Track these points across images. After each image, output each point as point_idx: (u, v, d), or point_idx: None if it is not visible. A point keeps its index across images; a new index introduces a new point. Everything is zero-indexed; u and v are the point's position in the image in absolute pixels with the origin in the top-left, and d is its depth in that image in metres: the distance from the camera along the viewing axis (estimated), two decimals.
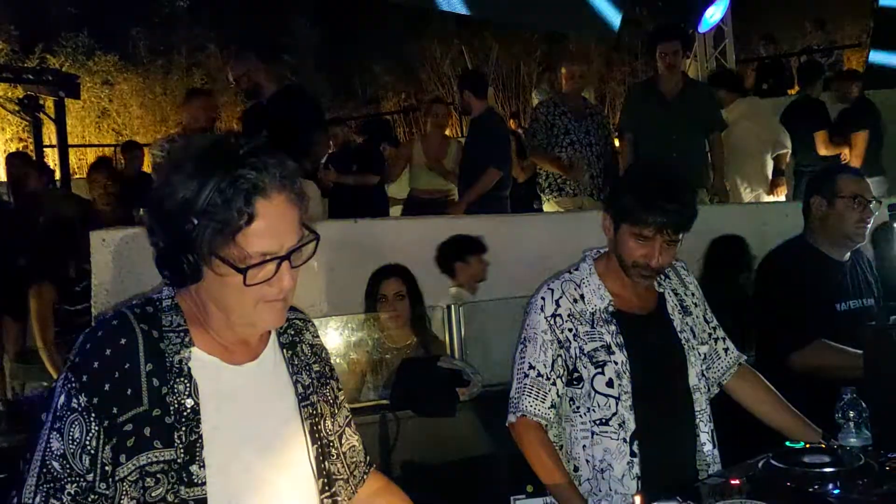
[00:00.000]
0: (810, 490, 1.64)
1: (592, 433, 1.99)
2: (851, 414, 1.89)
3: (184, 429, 1.22)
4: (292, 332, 1.44)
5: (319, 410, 1.41)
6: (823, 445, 1.87)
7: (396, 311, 3.05)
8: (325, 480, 1.39)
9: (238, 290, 1.21)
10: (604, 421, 1.98)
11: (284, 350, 1.40)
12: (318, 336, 1.50)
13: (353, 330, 2.99)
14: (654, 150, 4.26)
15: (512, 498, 2.45)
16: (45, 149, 8.82)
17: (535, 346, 2.03)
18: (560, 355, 2.01)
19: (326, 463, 1.40)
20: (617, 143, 5.04)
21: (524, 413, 2.02)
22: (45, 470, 1.18)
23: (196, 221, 1.17)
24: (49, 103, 7.96)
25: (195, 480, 1.21)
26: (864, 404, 1.88)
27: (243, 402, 1.30)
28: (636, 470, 1.96)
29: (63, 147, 7.85)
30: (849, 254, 2.72)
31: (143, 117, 13.95)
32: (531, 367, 2.03)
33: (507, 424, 2.08)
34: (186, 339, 1.26)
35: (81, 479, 1.18)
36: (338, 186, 5.49)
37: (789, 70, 7.69)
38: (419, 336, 3.03)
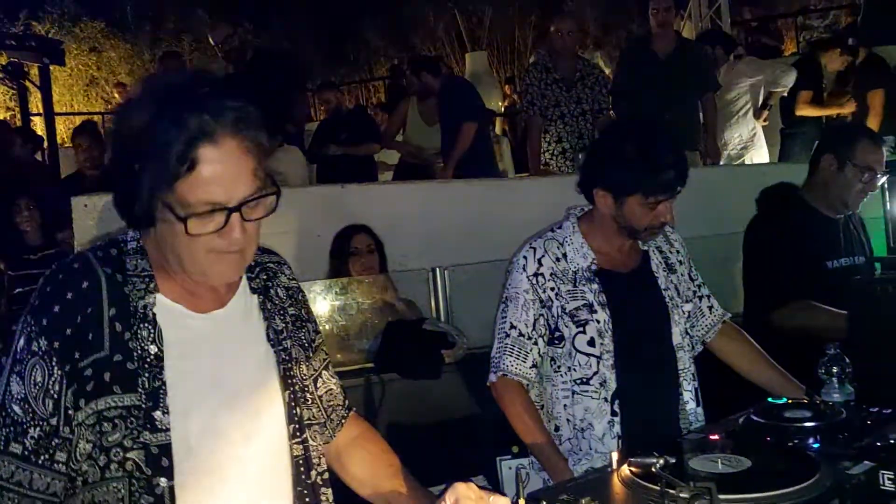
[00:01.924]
0: (790, 444, 1.63)
1: (573, 392, 1.98)
2: (835, 369, 1.87)
3: (147, 375, 1.19)
4: (265, 277, 1.39)
5: (294, 355, 1.38)
6: (806, 401, 1.86)
7: (369, 264, 3.04)
8: (297, 426, 1.35)
9: (185, 239, 1.17)
10: (585, 380, 1.97)
11: (256, 295, 1.36)
12: (294, 279, 1.45)
13: (337, 294, 2.96)
14: (646, 111, 4.20)
15: (497, 459, 2.45)
16: (32, 117, 8.72)
17: (516, 305, 2.01)
18: (542, 314, 1.99)
19: (299, 409, 1.36)
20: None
21: (505, 372, 2.00)
22: (5, 414, 1.17)
23: (140, 163, 1.13)
24: (34, 71, 7.84)
25: (158, 426, 1.19)
26: (847, 360, 1.86)
27: (210, 350, 1.27)
28: (617, 429, 1.95)
29: (49, 115, 7.75)
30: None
31: (131, 84, 13.78)
32: (512, 327, 2.00)
33: (487, 384, 2.06)
34: (151, 285, 1.23)
35: (45, 423, 1.16)
36: (325, 151, 5.43)
37: (784, 31, 7.59)
38: (390, 294, 3.01)
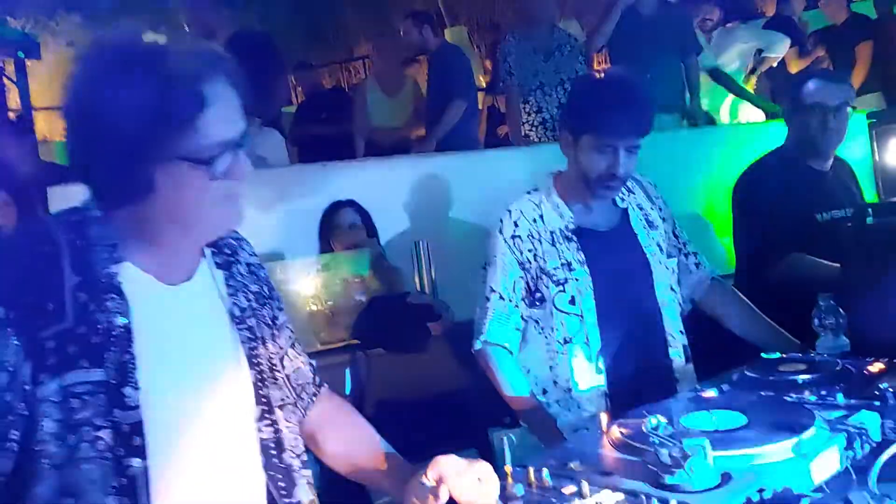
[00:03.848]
0: (786, 398, 1.58)
1: (557, 353, 1.94)
2: (828, 321, 1.83)
3: (114, 349, 1.11)
4: (228, 252, 1.33)
5: (258, 333, 1.31)
6: (800, 355, 1.81)
7: (354, 240, 2.96)
8: (265, 407, 1.29)
9: (201, 191, 1.12)
10: (568, 339, 1.93)
11: (221, 270, 1.30)
12: (254, 254, 1.38)
13: (318, 271, 2.90)
14: (628, 69, 4.12)
15: (489, 430, 2.41)
16: (10, 113, 8.59)
17: (495, 268, 1.96)
18: (521, 276, 1.96)
19: (266, 389, 1.30)
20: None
21: (488, 338, 1.96)
22: None
23: (143, 121, 1.06)
24: (10, 67, 7.70)
25: (129, 403, 1.11)
26: (841, 311, 1.81)
27: (177, 324, 1.20)
28: (604, 388, 1.91)
29: (27, 109, 7.62)
30: (830, 162, 2.63)
31: None
32: (492, 291, 1.97)
33: (472, 352, 2.01)
34: (116, 254, 1.15)
35: None
36: (305, 132, 5.32)
37: None
38: (377, 270, 2.93)
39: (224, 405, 1.24)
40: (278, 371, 1.34)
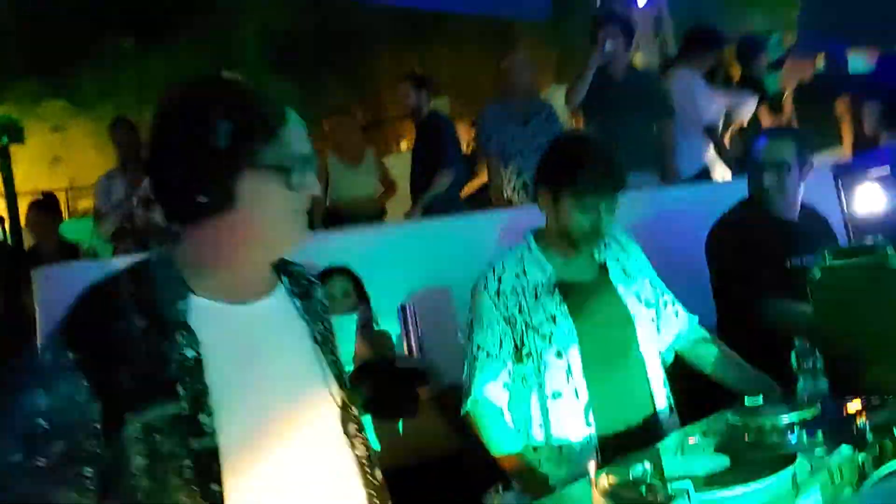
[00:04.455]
0: (769, 442, 1.61)
1: (547, 409, 1.95)
2: (806, 364, 1.86)
3: (188, 380, 1.17)
4: (305, 283, 1.40)
5: (338, 358, 1.39)
6: (781, 398, 1.85)
7: (347, 307, 2.96)
8: (357, 425, 1.34)
9: (276, 200, 1.22)
10: (556, 394, 1.94)
11: (297, 298, 1.36)
12: (326, 299, 1.46)
13: None
14: (602, 131, 4.24)
15: (485, 496, 2.39)
16: None
17: (481, 326, 1.99)
18: (507, 332, 1.97)
19: (354, 407, 1.36)
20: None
21: (476, 397, 1.97)
22: (28, 427, 1.13)
23: (231, 131, 1.16)
24: None
25: (205, 430, 1.16)
26: (817, 353, 1.85)
27: (253, 345, 1.25)
28: (594, 441, 1.92)
29: (10, 194, 7.69)
30: (796, 211, 2.71)
31: (96, 160, 13.74)
32: (479, 348, 1.98)
33: (461, 413, 2.02)
34: (181, 290, 1.22)
35: (70, 436, 1.13)
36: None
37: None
38: (367, 337, 2.94)
39: (309, 424, 1.28)
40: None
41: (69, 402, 1.13)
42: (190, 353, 1.18)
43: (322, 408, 1.30)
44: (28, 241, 5.94)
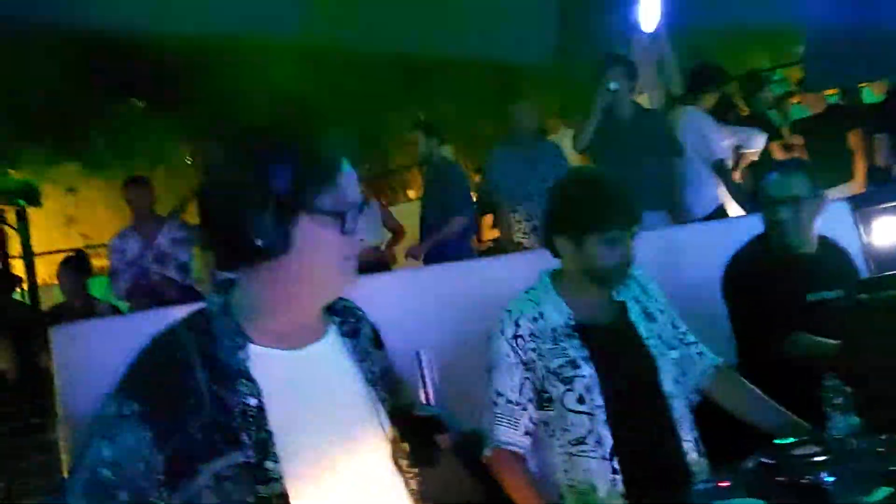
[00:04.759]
0: (803, 482, 1.56)
1: (570, 455, 1.90)
2: (837, 401, 1.81)
3: (252, 428, 1.19)
4: (353, 320, 1.43)
5: (388, 395, 1.42)
6: (813, 437, 1.79)
7: None
8: (408, 461, 1.38)
9: (330, 245, 1.25)
10: (580, 440, 1.89)
11: (347, 338, 1.40)
12: (374, 331, 1.50)
13: None
14: (612, 171, 4.24)
15: None
16: (11, 259, 8.74)
17: (500, 371, 1.95)
18: (527, 378, 1.93)
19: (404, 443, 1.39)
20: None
21: (498, 444, 1.93)
22: (94, 479, 1.15)
23: (291, 176, 1.20)
24: (11, 215, 7.92)
25: (271, 476, 1.18)
26: (847, 389, 1.81)
27: (310, 388, 1.29)
28: (620, 488, 1.85)
29: (28, 255, 7.78)
30: (814, 244, 2.68)
31: (110, 219, 13.87)
32: (499, 395, 1.95)
33: (483, 460, 1.98)
34: (239, 340, 1.24)
35: (134, 486, 1.15)
36: None
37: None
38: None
39: (366, 461, 1.31)
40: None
41: (133, 452, 1.15)
42: (252, 401, 1.21)
43: (376, 445, 1.34)
44: (56, 298, 5.97)
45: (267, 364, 1.25)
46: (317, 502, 1.22)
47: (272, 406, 1.22)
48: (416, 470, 1.40)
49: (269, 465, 1.19)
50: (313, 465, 1.23)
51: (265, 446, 1.19)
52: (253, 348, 1.25)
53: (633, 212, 1.93)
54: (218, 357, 1.22)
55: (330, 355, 1.35)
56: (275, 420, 1.21)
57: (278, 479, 1.19)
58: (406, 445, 1.40)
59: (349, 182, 1.28)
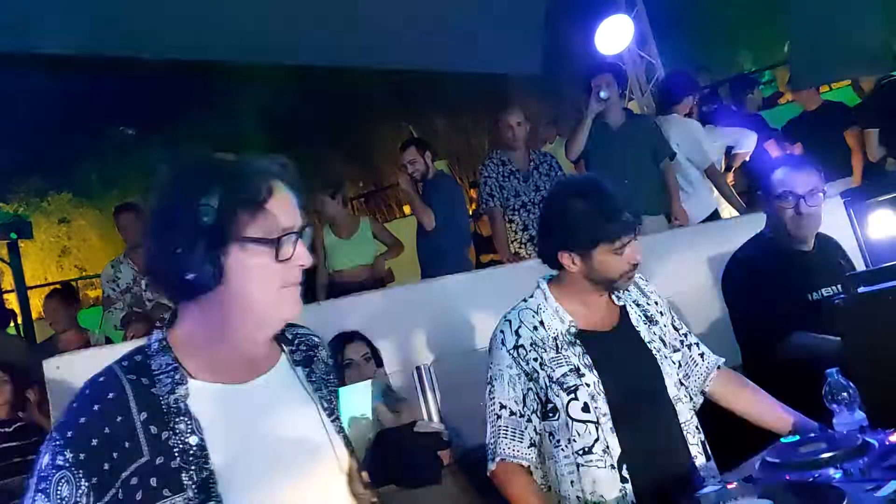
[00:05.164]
0: (812, 479, 1.54)
1: (578, 465, 1.87)
2: (841, 396, 1.80)
3: (193, 468, 1.16)
4: (304, 349, 1.39)
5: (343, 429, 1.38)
6: (819, 434, 1.78)
7: (366, 374, 2.90)
8: (365, 491, 1.35)
9: (265, 274, 1.21)
10: (587, 449, 1.86)
11: (300, 367, 1.36)
12: (330, 357, 1.46)
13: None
14: (605, 179, 4.23)
15: None
16: (5, 294, 8.68)
17: (502, 383, 1.92)
18: (530, 388, 1.90)
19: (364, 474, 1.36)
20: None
21: (503, 457, 1.90)
22: None
23: (216, 207, 1.17)
24: (3, 250, 7.86)
25: None
26: (850, 384, 1.79)
27: (258, 421, 1.25)
28: (630, 496, 1.82)
29: (21, 289, 7.71)
30: (812, 242, 2.67)
31: (104, 249, 13.85)
32: (503, 407, 1.92)
33: (488, 474, 1.95)
34: (178, 376, 1.21)
35: None
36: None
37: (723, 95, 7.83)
38: (387, 402, 2.87)
39: (323, 490, 1.28)
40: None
41: (71, 503, 1.12)
42: (193, 439, 1.18)
43: (331, 475, 1.30)
44: (46, 331, 5.93)
45: (209, 400, 1.21)
46: None
47: (215, 444, 1.18)
48: (370, 495, 1.36)
49: None
50: (258, 500, 1.19)
51: (207, 486, 1.15)
52: (193, 384, 1.22)
53: (635, 216, 1.91)
54: (156, 396, 1.19)
55: (279, 387, 1.31)
56: (217, 458, 1.18)
57: None
58: (364, 474, 1.36)
59: (284, 207, 1.24)
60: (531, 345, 1.92)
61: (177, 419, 1.18)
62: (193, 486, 1.14)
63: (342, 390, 2.88)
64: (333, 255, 5.06)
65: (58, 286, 5.82)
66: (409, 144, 5.00)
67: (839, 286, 2.57)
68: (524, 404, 1.90)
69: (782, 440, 1.81)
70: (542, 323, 1.95)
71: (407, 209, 10.90)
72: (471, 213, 8.23)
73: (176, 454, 1.16)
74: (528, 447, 1.90)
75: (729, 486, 1.59)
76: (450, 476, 2.66)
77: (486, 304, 3.46)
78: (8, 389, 4.24)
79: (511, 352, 1.92)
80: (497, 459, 1.91)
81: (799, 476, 1.56)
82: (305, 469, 1.26)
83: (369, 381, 2.81)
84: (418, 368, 2.99)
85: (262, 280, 1.22)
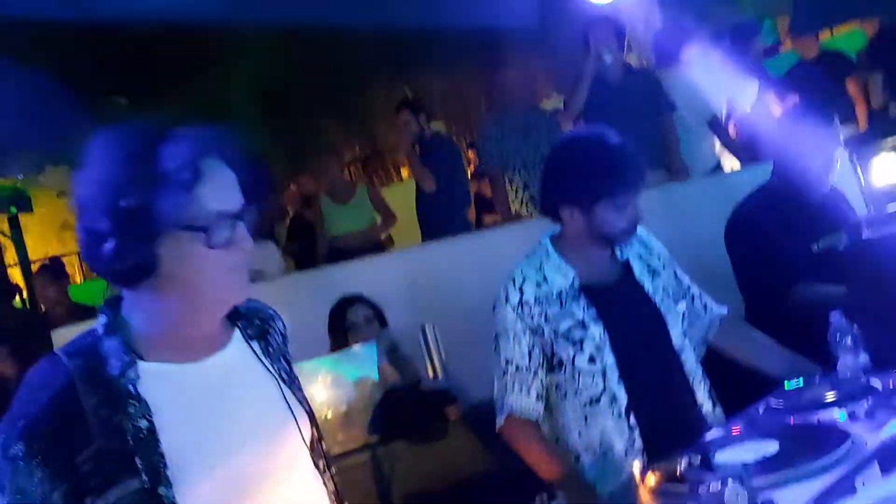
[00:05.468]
0: (816, 421, 1.55)
1: (585, 416, 1.89)
2: (845, 339, 1.80)
3: (144, 452, 1.13)
4: (258, 322, 1.35)
5: (305, 395, 1.35)
6: (822, 379, 1.79)
7: (370, 335, 2.92)
8: (325, 461, 1.32)
9: (201, 261, 1.15)
10: (594, 400, 1.88)
11: (255, 341, 1.32)
12: (287, 328, 1.41)
13: (331, 372, 2.86)
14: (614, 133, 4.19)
15: None
16: (9, 269, 8.69)
17: (507, 339, 1.93)
18: (535, 343, 1.91)
19: (325, 442, 1.34)
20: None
21: (511, 412, 1.92)
22: None
23: (146, 195, 1.11)
24: (4, 224, 7.86)
25: (165, 502, 1.12)
26: (855, 326, 1.80)
27: (211, 401, 1.21)
28: (638, 443, 1.85)
29: (24, 263, 7.72)
30: (824, 191, 2.65)
31: None
32: (508, 363, 1.93)
33: (496, 429, 1.97)
34: (128, 358, 1.17)
35: None
36: (299, 243, 5.41)
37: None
38: (393, 362, 2.89)
39: (285, 465, 1.25)
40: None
41: (28, 495, 1.09)
42: (143, 423, 1.14)
43: (292, 450, 1.27)
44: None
45: (161, 382, 1.18)
46: None
47: (167, 427, 1.15)
48: (332, 471, 1.33)
49: (162, 490, 1.12)
50: (215, 485, 1.17)
51: (157, 470, 1.12)
52: (144, 366, 1.18)
53: (640, 173, 1.91)
54: (106, 380, 1.15)
55: (234, 363, 1.27)
56: (171, 442, 1.14)
57: None
58: (324, 445, 1.34)
59: (215, 190, 1.16)
60: (535, 300, 1.92)
61: (127, 402, 1.14)
62: (146, 471, 1.12)
63: (347, 351, 2.92)
64: (332, 220, 5.07)
65: (46, 263, 5.81)
66: (404, 106, 4.96)
67: (842, 234, 2.57)
68: (530, 359, 1.91)
69: (786, 385, 1.82)
70: (545, 278, 1.95)
71: (405, 173, 10.85)
72: (470, 174, 8.20)
73: (129, 438, 1.13)
74: (536, 401, 1.92)
75: (733, 431, 1.61)
76: (456, 431, 2.69)
77: (488, 264, 3.46)
78: (13, 363, 4.26)
79: (515, 308, 1.92)
80: (505, 414, 1.93)
81: (803, 419, 1.58)
82: (267, 444, 1.23)
83: (373, 342, 2.82)
84: (423, 328, 3.01)
85: (200, 268, 1.16)
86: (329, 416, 2.78)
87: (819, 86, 5.03)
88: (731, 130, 5.38)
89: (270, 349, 1.33)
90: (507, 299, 1.95)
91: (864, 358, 1.77)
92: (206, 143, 1.18)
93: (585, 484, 1.87)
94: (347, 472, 2.66)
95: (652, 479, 1.44)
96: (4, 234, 7.96)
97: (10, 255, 8.63)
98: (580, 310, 1.91)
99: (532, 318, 1.92)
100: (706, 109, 4.84)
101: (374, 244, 5.08)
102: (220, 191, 1.17)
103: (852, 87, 5.05)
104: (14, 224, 7.82)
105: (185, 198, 1.13)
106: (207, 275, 1.17)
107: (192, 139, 1.17)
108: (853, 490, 1.22)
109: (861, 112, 4.99)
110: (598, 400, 1.88)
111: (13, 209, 7.59)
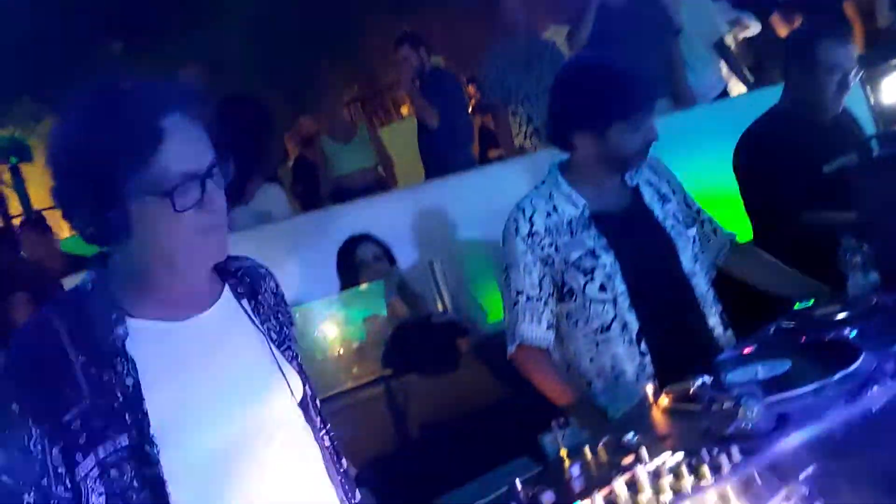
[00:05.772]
0: (827, 339, 1.56)
1: (596, 343, 1.91)
2: (855, 259, 1.81)
3: (130, 410, 1.13)
4: (249, 280, 1.33)
5: (297, 352, 1.34)
6: (833, 299, 1.80)
7: (379, 273, 2.93)
8: (321, 418, 1.32)
9: (172, 224, 1.12)
10: (605, 327, 1.90)
11: (245, 300, 1.30)
12: (279, 287, 1.39)
13: (342, 310, 2.88)
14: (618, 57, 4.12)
15: (541, 437, 2.37)
16: (13, 220, 8.70)
17: (517, 270, 1.94)
18: (546, 273, 1.92)
19: (316, 400, 1.33)
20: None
21: (522, 341, 1.93)
22: None
23: (107, 162, 1.08)
24: (6, 175, 7.85)
25: (151, 460, 1.12)
26: (865, 247, 1.80)
27: (200, 358, 1.20)
28: (649, 368, 1.87)
29: (28, 213, 7.74)
30: (837, 112, 2.61)
31: None
32: (519, 293, 1.94)
33: (508, 357, 1.99)
34: (115, 316, 1.16)
35: (36, 487, 1.10)
36: (305, 185, 5.40)
37: None
38: (403, 298, 2.91)
39: (274, 424, 1.24)
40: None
41: (26, 453, 1.10)
42: (129, 380, 1.13)
43: (280, 410, 1.26)
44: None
45: (149, 339, 1.17)
46: (206, 481, 1.16)
47: (153, 384, 1.14)
48: (328, 427, 1.33)
49: (147, 448, 1.12)
50: (200, 442, 1.16)
51: (142, 428, 1.12)
52: (133, 323, 1.16)
53: (652, 93, 1.89)
54: (94, 337, 1.14)
55: (222, 321, 1.25)
56: (156, 399, 1.14)
57: (156, 464, 1.12)
58: (318, 402, 1.33)
59: (178, 152, 1.11)
60: (545, 230, 1.92)
61: (114, 360, 1.14)
62: (133, 428, 1.12)
63: (355, 290, 2.93)
64: (335, 161, 5.03)
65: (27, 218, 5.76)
66: (403, 41, 4.86)
67: (852, 154, 2.54)
68: (540, 289, 1.92)
69: (797, 305, 1.83)
70: (555, 208, 1.94)
71: (405, 111, 10.71)
72: (471, 108, 8.10)
73: (118, 395, 1.12)
74: (547, 329, 1.93)
75: (745, 351, 1.62)
76: (468, 363, 2.73)
77: (494, 199, 3.45)
78: (29, 309, 4.30)
79: (525, 239, 1.92)
80: (516, 343, 1.94)
81: (814, 338, 1.59)
82: (253, 404, 1.22)
83: (381, 280, 2.84)
84: (431, 263, 3.02)
85: (172, 231, 1.13)
86: (342, 353, 2.82)
87: (821, 3, 4.92)
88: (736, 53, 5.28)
89: (261, 308, 1.31)
90: (517, 230, 1.95)
91: (874, 277, 1.78)
92: (169, 99, 1.14)
93: (597, 408, 1.90)
94: (363, 404, 2.72)
95: (665, 399, 1.47)
96: (6, 185, 7.96)
97: (14, 207, 8.64)
98: (591, 239, 1.91)
99: (542, 248, 1.92)
100: (714, 30, 4.73)
101: (379, 181, 5.06)
102: (185, 149, 1.13)
103: (849, 9, 4.94)
104: (16, 174, 7.82)
105: (145, 163, 1.10)
106: (180, 237, 1.14)
107: (153, 98, 1.13)
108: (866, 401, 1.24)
109: (858, 33, 4.90)
110: (609, 327, 1.89)
111: (13, 159, 7.57)
